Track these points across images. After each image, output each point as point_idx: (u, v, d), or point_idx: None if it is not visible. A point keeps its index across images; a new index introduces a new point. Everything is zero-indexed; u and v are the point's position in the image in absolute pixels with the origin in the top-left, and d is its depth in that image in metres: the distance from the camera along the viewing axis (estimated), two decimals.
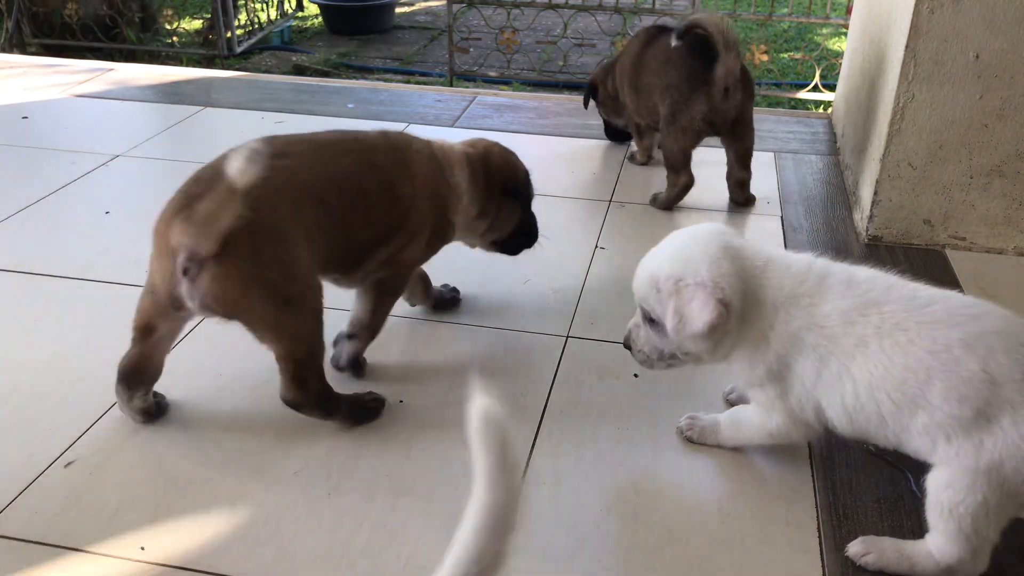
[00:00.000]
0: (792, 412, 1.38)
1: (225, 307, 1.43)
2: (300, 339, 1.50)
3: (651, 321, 1.40)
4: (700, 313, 1.30)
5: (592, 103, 2.83)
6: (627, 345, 1.49)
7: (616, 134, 2.85)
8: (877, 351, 1.27)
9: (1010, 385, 1.18)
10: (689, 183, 2.39)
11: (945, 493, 1.22)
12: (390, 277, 1.70)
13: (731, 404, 1.62)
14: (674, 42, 2.31)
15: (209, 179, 1.41)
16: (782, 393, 1.37)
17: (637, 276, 1.41)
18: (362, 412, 1.60)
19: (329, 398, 1.55)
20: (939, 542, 1.25)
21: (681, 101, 2.29)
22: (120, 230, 2.27)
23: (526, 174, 1.86)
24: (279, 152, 1.49)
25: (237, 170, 1.33)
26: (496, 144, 1.84)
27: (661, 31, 2.47)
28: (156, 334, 1.56)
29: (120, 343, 1.79)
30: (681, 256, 1.35)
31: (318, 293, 1.53)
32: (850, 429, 1.34)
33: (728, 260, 1.34)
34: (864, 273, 1.39)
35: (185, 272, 1.39)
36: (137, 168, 2.67)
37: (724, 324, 1.32)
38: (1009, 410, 1.18)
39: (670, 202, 2.42)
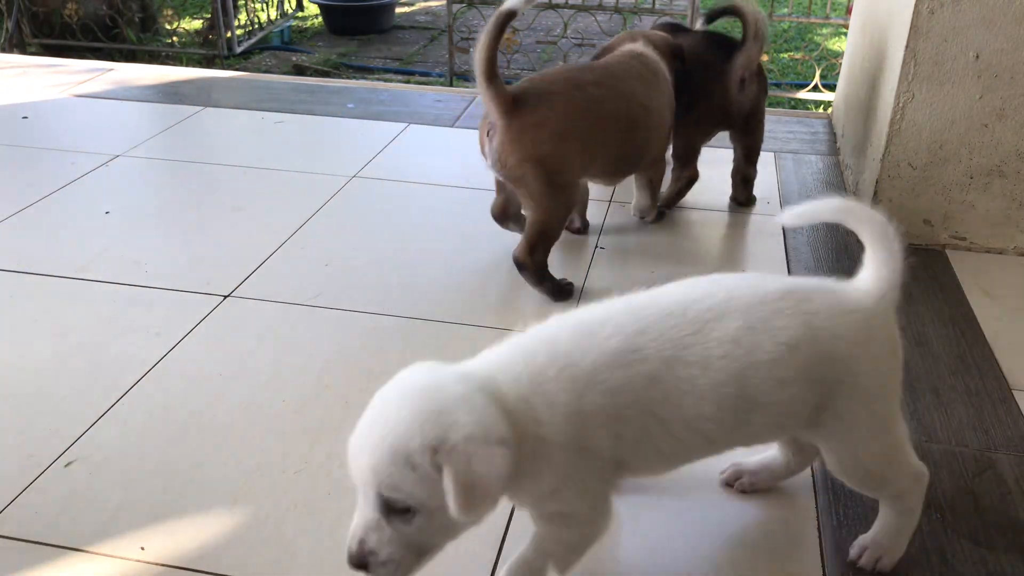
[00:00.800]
0: (597, 496, 1.15)
1: (506, 170, 1.87)
2: (550, 217, 1.93)
3: (399, 512, 1.02)
4: (490, 469, 0.98)
5: None
6: (361, 563, 1.03)
7: None
8: (674, 380, 1.08)
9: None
10: (694, 177, 2.38)
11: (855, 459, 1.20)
12: (655, 171, 2.22)
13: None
14: (699, 24, 2.32)
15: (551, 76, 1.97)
16: (580, 483, 1.11)
17: (362, 463, 1.01)
18: (561, 291, 1.98)
19: (544, 270, 1.96)
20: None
21: (697, 92, 2.26)
22: (120, 230, 2.28)
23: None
24: (594, 81, 1.96)
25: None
26: (654, 33, 2.22)
27: (675, 29, 2.44)
28: (499, 187, 2.06)
29: (120, 343, 1.80)
30: (419, 418, 0.99)
31: (578, 191, 2.08)
32: (670, 468, 1.20)
33: (469, 390, 1.03)
34: (590, 312, 1.15)
35: (488, 133, 1.87)
36: (137, 168, 2.67)
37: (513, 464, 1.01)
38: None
39: (674, 198, 2.41)
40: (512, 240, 2.24)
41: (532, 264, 1.93)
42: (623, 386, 1.07)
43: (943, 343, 1.84)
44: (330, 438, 1.54)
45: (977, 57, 2.02)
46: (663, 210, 2.36)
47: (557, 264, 2.13)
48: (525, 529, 1.21)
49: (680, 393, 1.08)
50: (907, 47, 2.04)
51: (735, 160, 2.43)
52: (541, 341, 1.12)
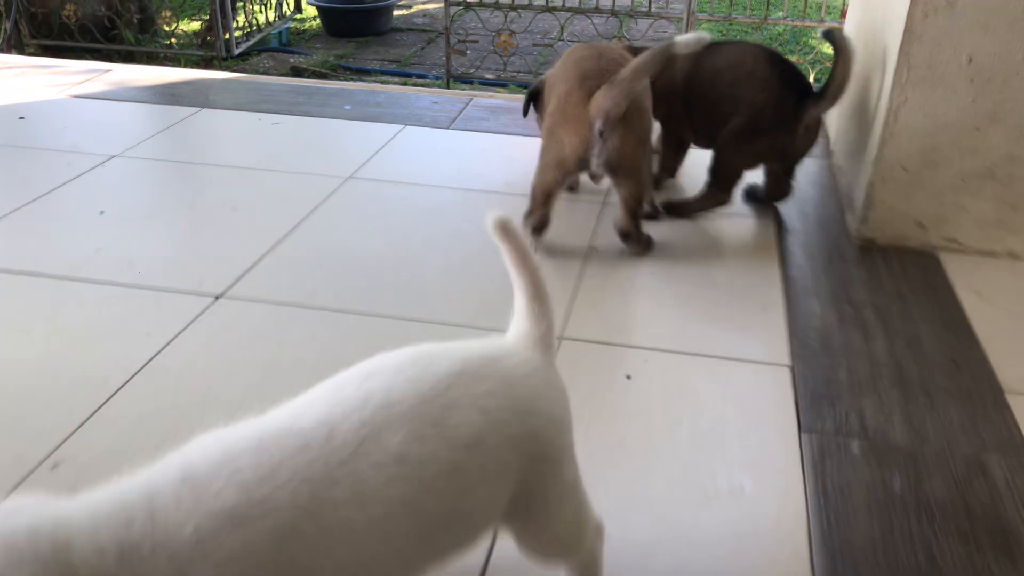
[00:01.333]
0: None
1: (623, 160, 2.00)
2: (647, 186, 2.13)
3: None
4: None
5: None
6: None
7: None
8: (319, 529, 0.83)
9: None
10: (724, 201, 2.35)
11: None
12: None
13: None
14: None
15: (602, 72, 1.98)
16: None
17: None
18: (650, 242, 2.19)
19: (641, 230, 2.16)
20: None
21: (762, 125, 2.20)
22: (114, 230, 2.28)
23: None
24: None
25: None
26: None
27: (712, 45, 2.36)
28: (553, 199, 2.13)
29: (111, 343, 1.80)
30: None
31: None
32: None
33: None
34: (205, 452, 0.89)
35: (600, 135, 1.96)
36: (133, 169, 2.67)
37: None
38: None
39: (699, 210, 2.38)
40: (492, 244, 2.24)
41: (638, 227, 2.15)
42: (243, 553, 0.80)
43: (935, 345, 1.84)
44: None
45: (970, 61, 2.02)
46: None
47: (549, 262, 2.13)
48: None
49: (330, 544, 0.84)
50: (901, 50, 2.05)
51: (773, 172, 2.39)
52: (141, 495, 0.84)
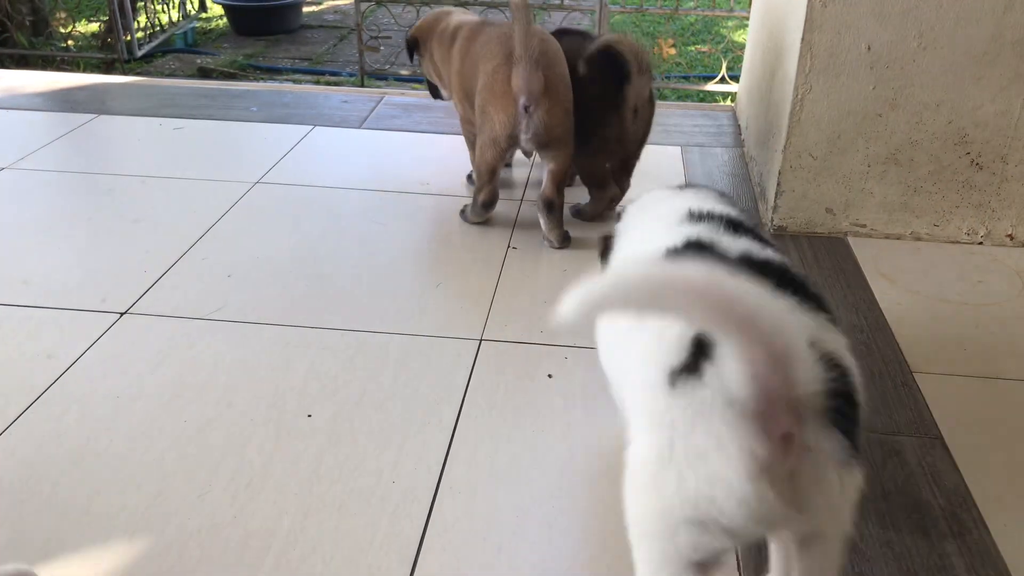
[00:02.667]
0: None
1: (551, 132, 2.05)
2: (569, 157, 2.18)
3: None
4: None
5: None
6: None
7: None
8: None
9: None
10: (616, 196, 2.34)
11: None
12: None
13: None
14: (581, 69, 2.17)
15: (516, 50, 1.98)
16: None
17: None
18: (567, 237, 2.24)
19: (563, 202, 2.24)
20: None
21: (594, 122, 2.20)
22: (5, 247, 2.15)
23: None
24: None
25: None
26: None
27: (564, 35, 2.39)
28: (498, 174, 2.19)
29: (7, 369, 1.69)
30: None
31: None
32: None
33: None
34: None
35: (526, 110, 2.00)
36: (25, 181, 2.53)
37: None
38: None
39: (598, 215, 2.37)
40: (418, 242, 2.21)
41: (561, 201, 2.19)
42: None
43: (847, 329, 1.88)
44: (235, 459, 1.49)
45: (869, 49, 2.07)
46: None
47: (468, 263, 2.10)
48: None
49: None
50: (803, 40, 2.08)
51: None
52: None
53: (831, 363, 0.94)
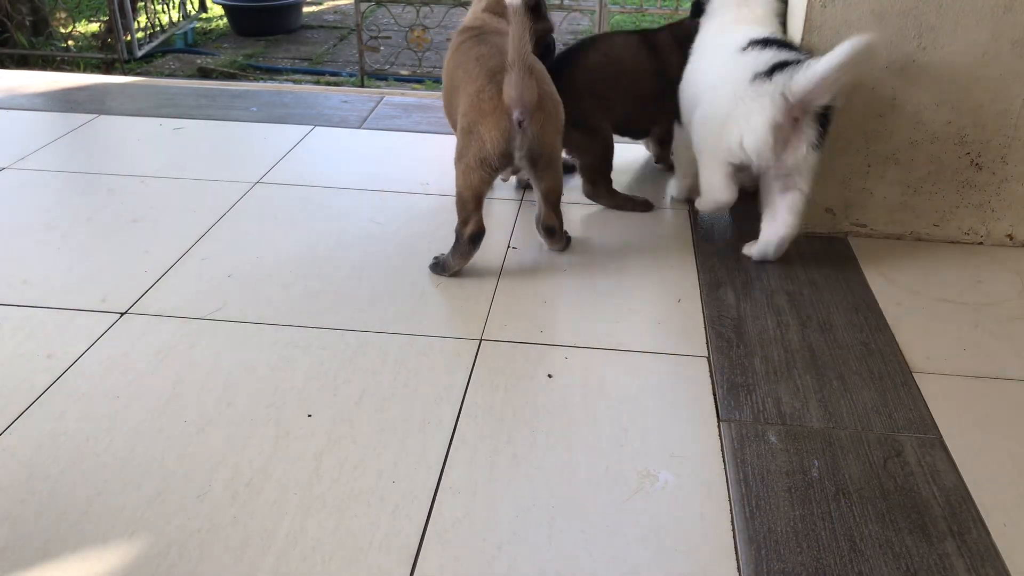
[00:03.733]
0: None
1: (544, 148, 1.99)
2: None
3: None
4: None
5: None
6: None
7: None
8: None
9: None
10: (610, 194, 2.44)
11: None
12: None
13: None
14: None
15: (502, 65, 1.92)
16: None
17: None
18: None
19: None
20: None
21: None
22: (5, 248, 2.15)
23: None
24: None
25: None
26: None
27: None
28: (483, 201, 2.04)
29: (7, 369, 1.69)
30: None
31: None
32: None
33: None
34: None
35: (520, 124, 1.93)
36: (25, 181, 2.53)
37: None
38: None
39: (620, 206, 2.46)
40: (418, 242, 2.21)
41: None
42: None
43: (847, 329, 1.88)
44: (235, 459, 1.49)
45: None
46: (569, 238, 2.23)
47: (469, 266, 2.10)
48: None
49: None
50: (803, 40, 2.08)
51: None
52: None
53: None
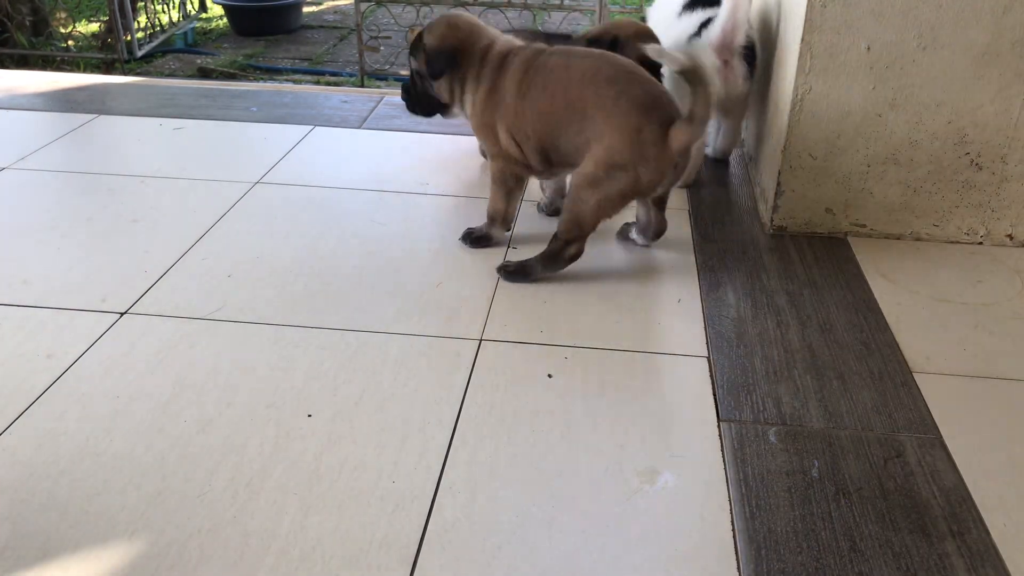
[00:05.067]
0: None
1: (687, 179, 2.38)
2: None
3: None
4: None
5: None
6: None
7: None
8: None
9: None
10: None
11: None
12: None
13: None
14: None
15: (657, 98, 1.89)
16: None
17: None
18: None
19: None
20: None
21: None
22: (5, 247, 2.15)
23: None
24: None
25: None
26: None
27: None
28: None
29: (7, 369, 1.69)
30: None
31: None
32: None
33: None
34: None
35: (675, 166, 1.93)
36: (25, 181, 2.53)
37: None
38: None
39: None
40: (418, 242, 2.21)
41: None
42: None
43: (847, 329, 1.88)
44: (235, 459, 1.49)
45: (869, 49, 2.07)
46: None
47: (468, 263, 2.10)
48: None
49: None
50: (803, 40, 2.08)
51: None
52: None
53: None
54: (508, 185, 2.11)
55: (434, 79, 2.09)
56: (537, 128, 1.99)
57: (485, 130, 2.08)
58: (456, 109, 2.16)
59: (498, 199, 2.15)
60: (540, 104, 1.96)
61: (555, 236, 2.03)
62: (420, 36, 2.10)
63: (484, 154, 2.56)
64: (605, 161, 1.89)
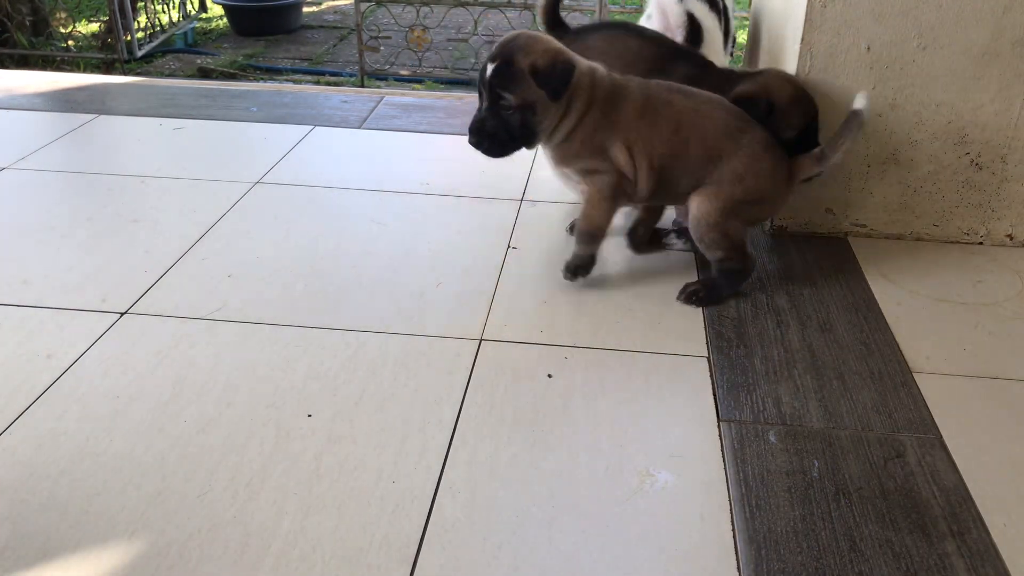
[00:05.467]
0: None
1: None
2: None
3: None
4: None
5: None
6: None
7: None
8: None
9: None
10: None
11: None
12: None
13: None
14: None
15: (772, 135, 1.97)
16: None
17: None
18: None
19: None
20: None
21: None
22: (5, 247, 2.15)
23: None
24: None
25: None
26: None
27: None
28: None
29: (7, 369, 1.69)
30: None
31: None
32: None
33: None
34: None
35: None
36: (25, 181, 2.53)
37: None
38: None
39: None
40: (418, 242, 2.21)
41: None
42: None
43: (847, 329, 1.88)
44: (235, 459, 1.49)
45: (868, 49, 2.07)
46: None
47: (468, 263, 2.10)
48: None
49: None
50: (803, 40, 2.08)
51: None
52: None
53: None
54: (618, 201, 1.99)
55: (556, 99, 1.84)
56: (664, 161, 1.94)
57: (594, 150, 1.93)
58: (545, 137, 1.93)
59: (603, 214, 1.98)
60: (674, 144, 1.92)
61: (720, 262, 1.99)
62: (507, 63, 1.81)
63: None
64: (742, 199, 1.94)
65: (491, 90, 1.83)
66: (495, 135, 1.87)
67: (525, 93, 1.81)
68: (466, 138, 1.91)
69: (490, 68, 1.83)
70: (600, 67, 1.95)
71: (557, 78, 1.82)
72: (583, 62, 1.91)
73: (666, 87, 1.99)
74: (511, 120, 1.84)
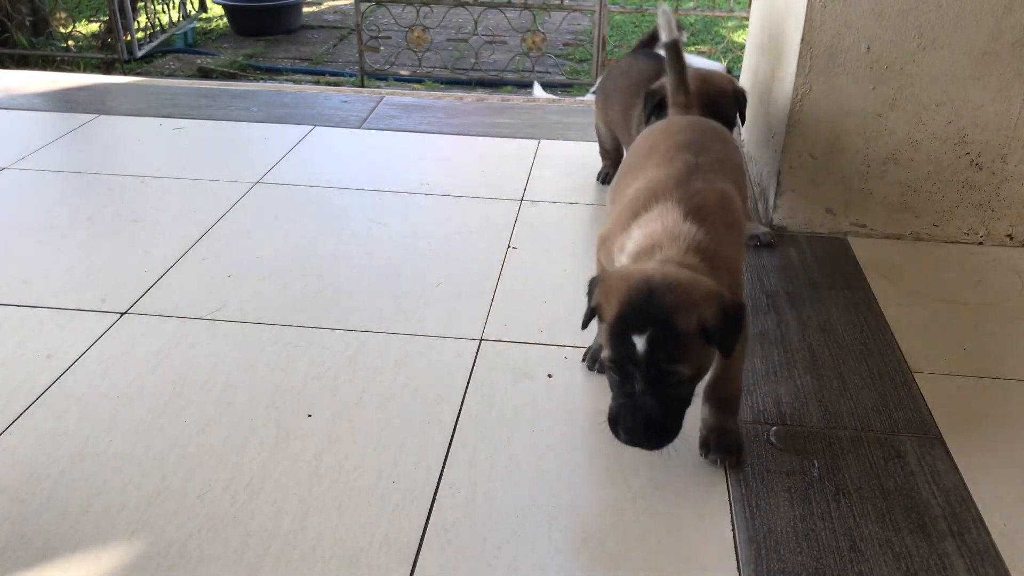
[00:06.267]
0: None
1: None
2: None
3: None
4: None
5: None
6: None
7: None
8: None
9: None
10: None
11: None
12: None
13: None
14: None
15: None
16: None
17: None
18: None
19: None
20: None
21: None
22: (6, 247, 2.15)
23: None
24: None
25: None
26: None
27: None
28: None
29: (7, 368, 1.69)
30: None
31: None
32: None
33: None
34: None
35: None
36: (25, 181, 2.53)
37: None
38: None
39: None
40: (418, 242, 2.20)
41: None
42: None
43: (847, 329, 1.88)
44: (235, 459, 1.49)
45: (868, 49, 2.07)
46: None
47: (468, 263, 2.10)
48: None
49: None
50: (803, 40, 2.08)
51: None
52: None
53: None
54: None
55: (731, 355, 1.35)
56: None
57: None
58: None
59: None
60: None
61: None
62: (668, 329, 1.28)
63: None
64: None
65: (652, 368, 1.29)
66: (666, 424, 1.33)
67: (699, 359, 1.33)
68: (467, 137, 1.88)
69: (640, 341, 1.28)
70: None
71: (732, 327, 1.31)
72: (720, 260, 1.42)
73: None
74: (683, 394, 1.34)
